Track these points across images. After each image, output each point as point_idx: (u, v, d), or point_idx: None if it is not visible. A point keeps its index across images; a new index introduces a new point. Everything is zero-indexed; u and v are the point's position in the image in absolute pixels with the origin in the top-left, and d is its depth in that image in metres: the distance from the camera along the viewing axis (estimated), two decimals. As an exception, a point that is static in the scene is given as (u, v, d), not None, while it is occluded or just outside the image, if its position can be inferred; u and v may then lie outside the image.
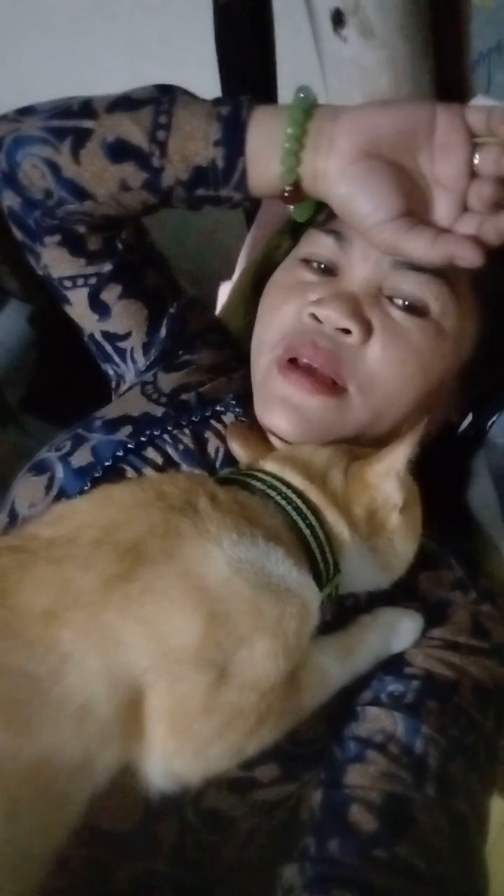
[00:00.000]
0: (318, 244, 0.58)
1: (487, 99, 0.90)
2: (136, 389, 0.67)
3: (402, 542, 0.50)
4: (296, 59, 0.92)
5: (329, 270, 0.57)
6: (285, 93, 0.90)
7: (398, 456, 0.47)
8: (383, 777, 0.47)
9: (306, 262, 0.59)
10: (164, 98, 0.55)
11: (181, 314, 0.69)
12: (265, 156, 0.52)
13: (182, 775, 0.42)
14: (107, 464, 0.58)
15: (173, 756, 0.41)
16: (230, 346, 0.71)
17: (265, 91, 0.52)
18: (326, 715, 0.50)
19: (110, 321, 0.67)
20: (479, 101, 0.90)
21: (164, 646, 0.40)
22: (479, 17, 0.85)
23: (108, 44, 1.06)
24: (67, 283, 0.65)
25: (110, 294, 0.65)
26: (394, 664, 0.52)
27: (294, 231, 0.65)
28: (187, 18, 0.91)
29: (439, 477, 0.57)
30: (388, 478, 0.48)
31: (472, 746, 0.50)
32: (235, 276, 0.95)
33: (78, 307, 0.66)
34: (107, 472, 0.58)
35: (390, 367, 0.54)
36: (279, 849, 0.50)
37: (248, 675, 0.41)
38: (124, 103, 0.55)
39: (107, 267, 0.64)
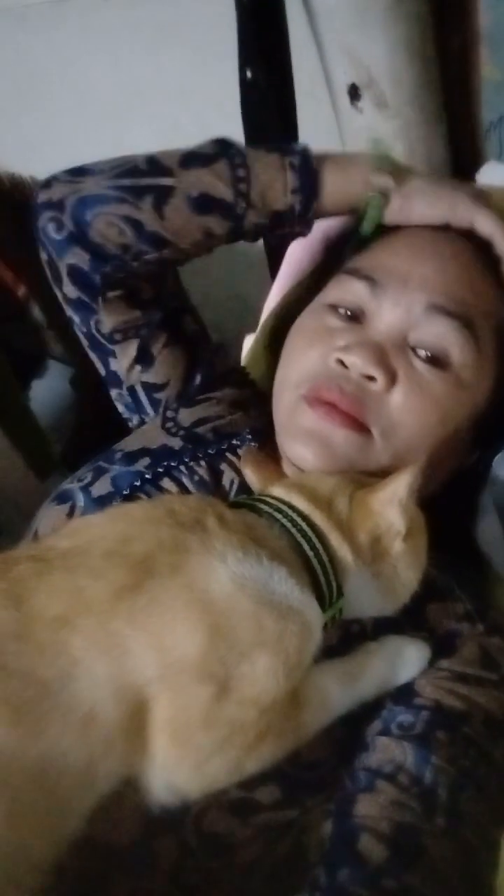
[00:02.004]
0: (347, 290, 0.60)
1: (500, 164, 0.95)
2: (156, 422, 0.69)
3: (405, 570, 0.51)
4: (318, 131, 0.98)
5: (355, 317, 0.59)
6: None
7: (401, 484, 0.49)
8: (393, 807, 0.47)
9: (333, 307, 0.60)
10: (232, 151, 0.60)
11: (211, 359, 0.72)
12: (341, 195, 0.61)
13: (182, 788, 0.43)
14: (125, 492, 0.61)
15: (173, 768, 0.42)
16: (250, 386, 0.74)
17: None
18: (331, 741, 0.50)
19: (152, 371, 0.69)
20: (492, 166, 0.95)
21: (168, 657, 0.41)
22: (488, 88, 0.91)
23: (144, 124, 1.15)
24: (118, 337, 0.67)
25: (157, 343, 0.68)
26: (403, 695, 0.52)
27: (318, 278, 0.68)
28: (218, 99, 0.99)
29: (448, 510, 0.58)
30: (391, 505, 0.49)
31: (483, 777, 0.49)
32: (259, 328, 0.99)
33: (124, 360, 0.68)
34: (125, 501, 0.60)
35: (412, 416, 0.55)
36: (283, 883, 0.49)
37: (249, 690, 0.42)
38: (196, 159, 0.60)
39: (157, 315, 0.67)
